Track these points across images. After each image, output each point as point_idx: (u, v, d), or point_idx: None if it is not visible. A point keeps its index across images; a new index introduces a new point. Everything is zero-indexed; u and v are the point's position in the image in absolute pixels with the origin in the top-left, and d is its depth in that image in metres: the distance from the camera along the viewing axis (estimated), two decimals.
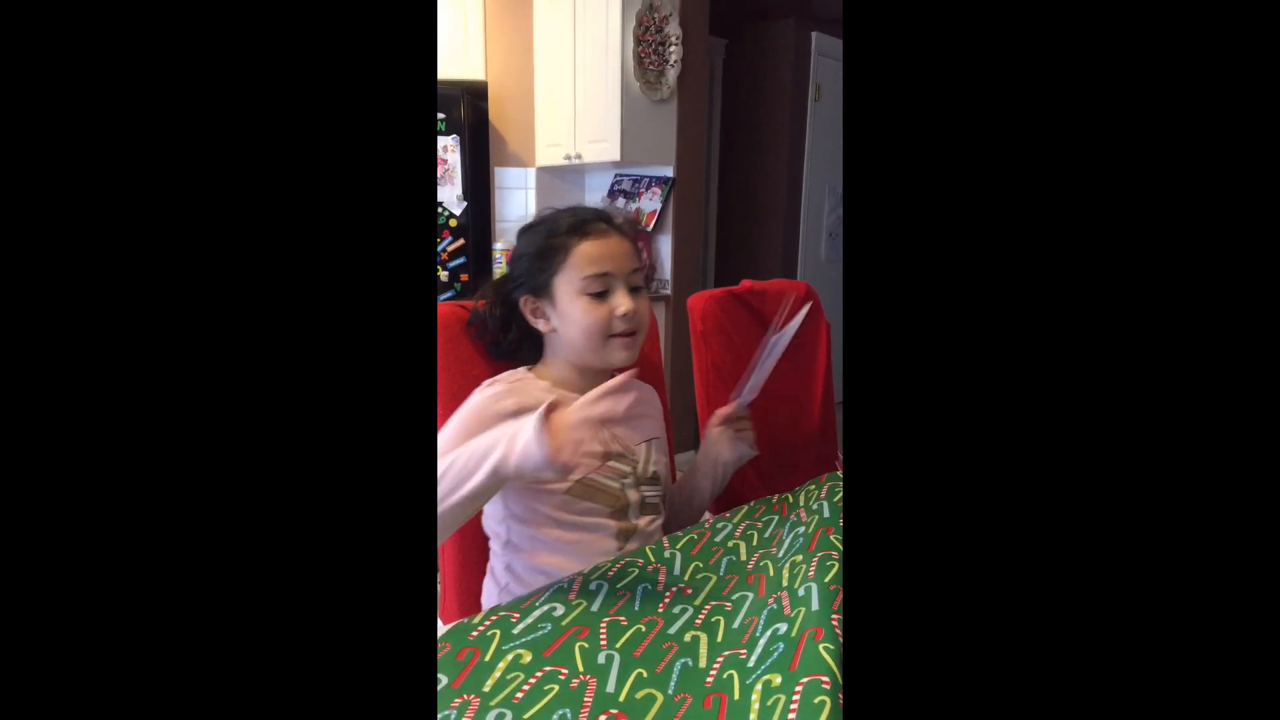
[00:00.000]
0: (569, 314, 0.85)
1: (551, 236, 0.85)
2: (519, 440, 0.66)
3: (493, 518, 0.87)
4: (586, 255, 0.84)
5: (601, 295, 0.84)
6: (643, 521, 0.88)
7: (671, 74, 2.53)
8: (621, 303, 0.85)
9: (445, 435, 0.80)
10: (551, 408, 0.69)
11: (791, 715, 0.48)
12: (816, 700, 0.48)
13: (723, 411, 0.97)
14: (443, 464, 0.70)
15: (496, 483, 0.70)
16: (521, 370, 0.89)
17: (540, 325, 0.88)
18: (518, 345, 0.92)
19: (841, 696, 0.49)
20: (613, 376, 0.85)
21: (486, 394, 0.84)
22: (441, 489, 0.68)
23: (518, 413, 0.80)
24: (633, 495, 0.88)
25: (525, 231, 0.90)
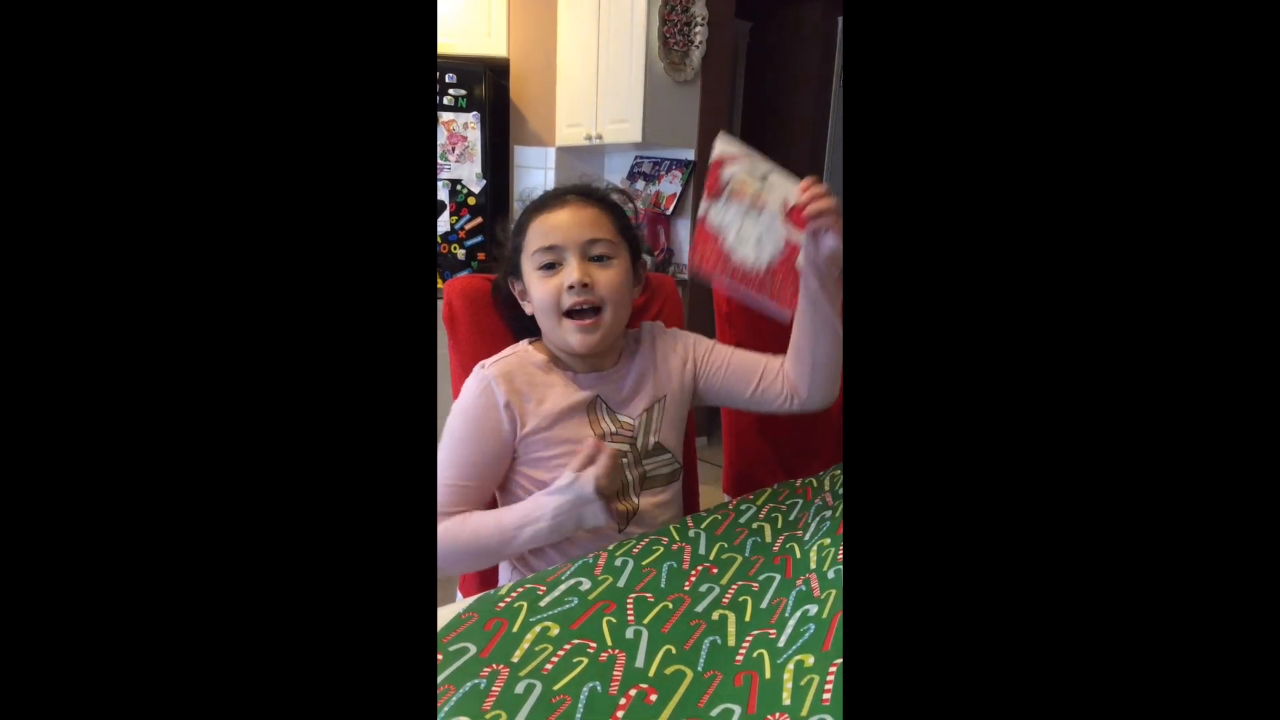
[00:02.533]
0: (532, 294, 0.82)
1: (521, 215, 0.84)
2: (583, 516, 0.74)
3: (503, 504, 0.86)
4: (538, 229, 0.81)
5: (551, 268, 0.80)
6: (645, 502, 0.85)
7: (696, 55, 2.49)
8: (569, 274, 0.79)
9: (447, 450, 0.80)
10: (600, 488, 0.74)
11: (826, 696, 0.47)
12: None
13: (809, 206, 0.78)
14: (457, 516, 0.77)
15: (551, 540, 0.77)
16: (523, 343, 0.87)
17: (526, 307, 0.85)
18: (524, 325, 0.90)
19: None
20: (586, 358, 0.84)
21: (485, 400, 0.80)
22: (470, 544, 0.76)
23: (511, 395, 0.80)
24: (631, 474, 0.85)
25: (520, 217, 0.88)
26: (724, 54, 2.65)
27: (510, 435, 0.81)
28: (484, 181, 2.63)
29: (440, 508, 0.78)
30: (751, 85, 3.36)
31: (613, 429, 0.85)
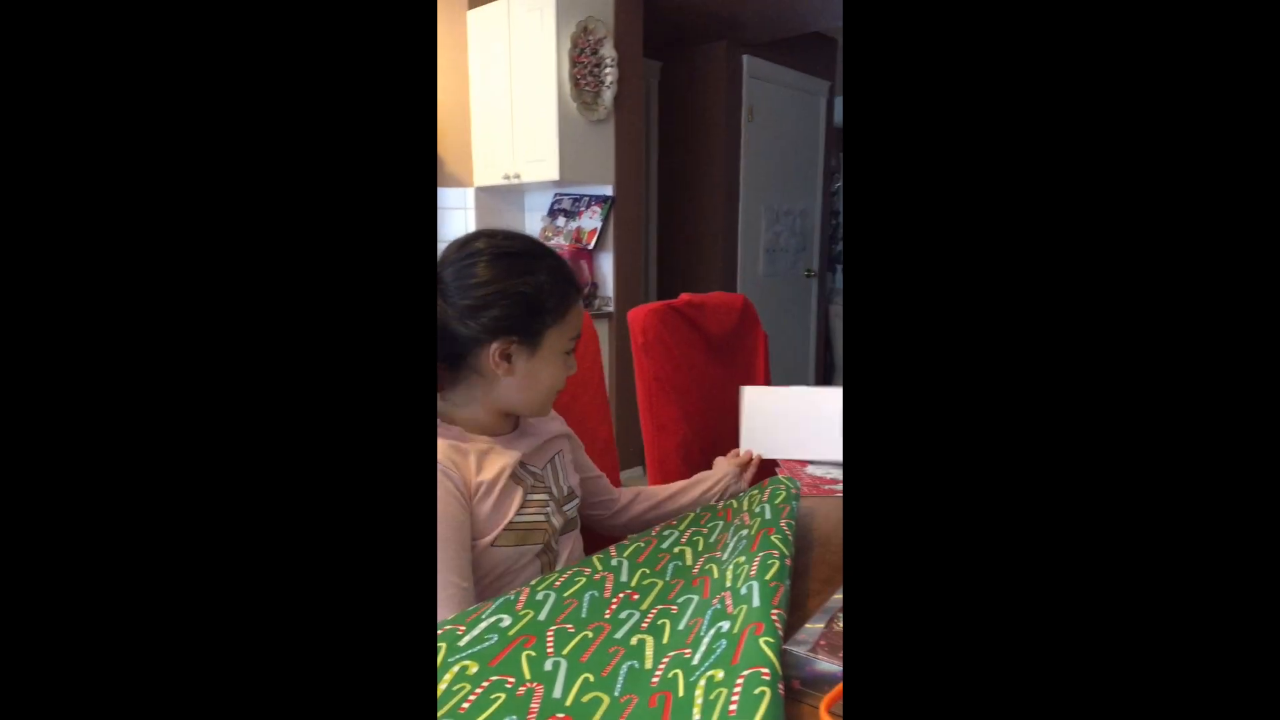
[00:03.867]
0: (542, 369, 0.81)
1: (561, 282, 0.80)
2: None
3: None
4: (577, 314, 0.83)
5: (568, 354, 0.85)
6: (564, 550, 0.87)
7: (608, 95, 2.57)
8: (572, 363, 0.86)
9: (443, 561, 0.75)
10: None
11: (733, 707, 0.49)
12: (756, 691, 0.49)
13: (744, 458, 1.09)
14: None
15: None
16: (443, 443, 0.79)
17: (499, 369, 0.79)
18: (446, 379, 0.82)
19: (782, 687, 0.51)
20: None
21: (446, 492, 0.76)
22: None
23: (458, 477, 0.77)
24: (556, 520, 0.86)
25: (504, 261, 0.78)
26: (635, 92, 2.74)
27: (468, 514, 0.79)
28: None
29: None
30: (664, 121, 3.47)
31: (532, 482, 0.85)
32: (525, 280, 0.77)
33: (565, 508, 0.89)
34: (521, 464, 0.84)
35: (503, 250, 0.79)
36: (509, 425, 0.87)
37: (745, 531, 0.83)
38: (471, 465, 0.79)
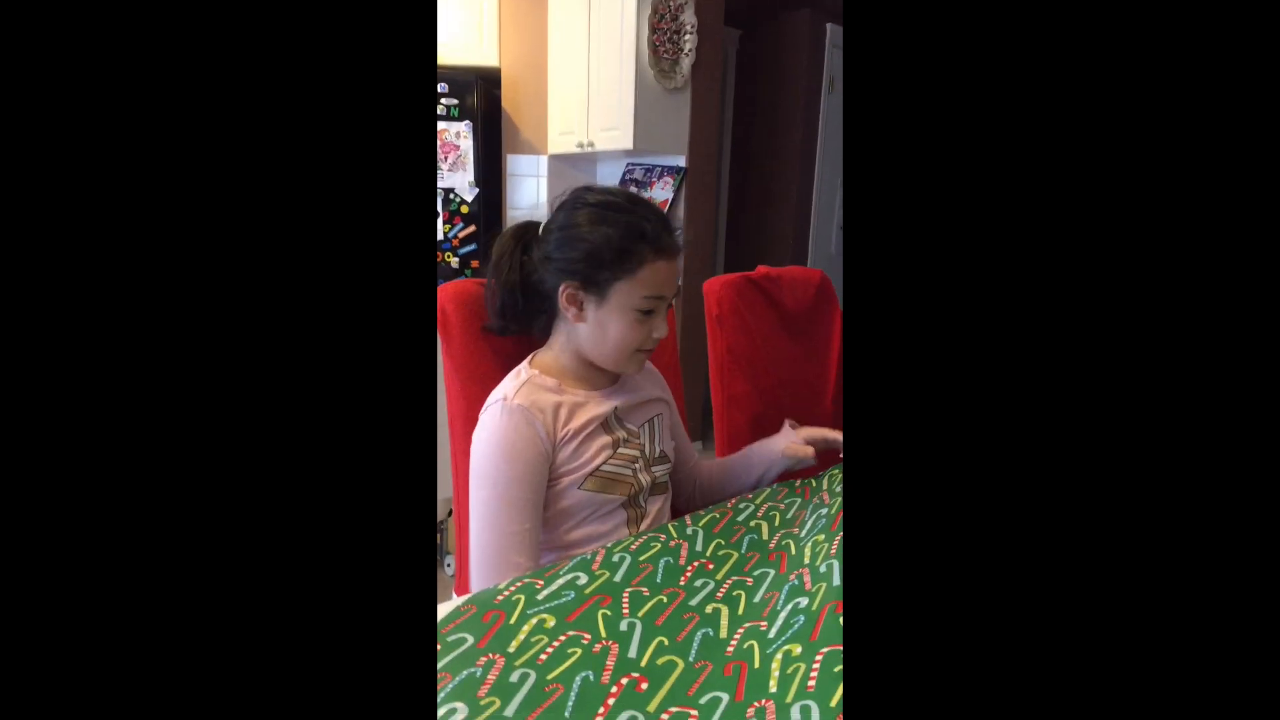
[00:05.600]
0: (610, 323, 0.81)
1: (629, 238, 0.79)
2: None
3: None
4: (657, 274, 0.80)
5: (648, 315, 0.82)
6: (653, 507, 0.88)
7: (686, 63, 2.52)
8: (660, 328, 0.84)
9: (497, 496, 0.78)
10: None
11: (811, 683, 0.48)
12: (836, 669, 0.48)
13: (810, 431, 1.01)
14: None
15: None
16: (523, 368, 0.85)
17: (569, 314, 0.83)
18: (525, 320, 0.89)
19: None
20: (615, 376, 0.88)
21: (524, 434, 0.79)
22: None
23: (543, 421, 0.79)
24: (644, 479, 0.87)
25: (589, 210, 0.81)
26: (713, 61, 2.67)
27: (550, 463, 0.81)
28: (476, 190, 2.65)
29: (505, 556, 0.76)
30: (741, 91, 3.39)
31: (625, 436, 0.87)
32: (599, 229, 0.79)
33: (655, 469, 0.89)
34: (616, 417, 0.87)
35: (595, 201, 0.81)
36: (606, 380, 0.89)
37: (825, 510, 0.82)
38: (562, 415, 0.82)
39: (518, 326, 0.91)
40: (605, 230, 0.79)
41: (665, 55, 2.47)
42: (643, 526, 0.87)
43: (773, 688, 0.49)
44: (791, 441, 0.99)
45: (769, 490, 0.93)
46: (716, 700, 0.50)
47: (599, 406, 0.85)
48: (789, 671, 0.51)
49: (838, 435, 1.01)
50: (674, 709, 0.49)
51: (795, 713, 0.45)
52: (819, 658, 0.50)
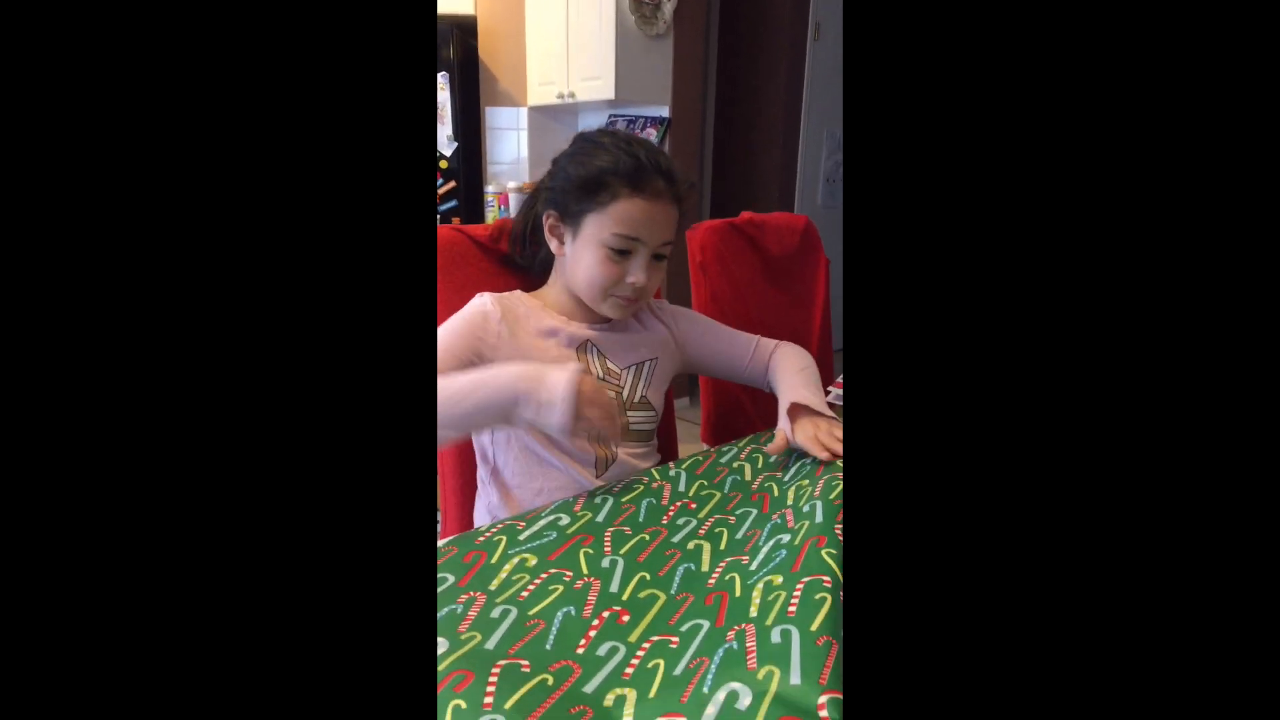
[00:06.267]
0: (583, 256, 0.81)
1: (605, 172, 0.78)
2: (541, 397, 0.68)
3: (484, 441, 0.87)
4: (628, 211, 0.78)
5: (623, 254, 0.80)
6: (624, 453, 0.86)
7: (668, 9, 2.45)
8: (635, 273, 0.81)
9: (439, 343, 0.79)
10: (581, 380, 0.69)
11: (792, 608, 0.48)
12: (818, 596, 0.49)
13: (803, 438, 0.80)
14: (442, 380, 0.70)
15: (499, 421, 0.72)
16: (518, 293, 0.88)
17: (551, 244, 0.85)
18: (531, 253, 0.92)
19: (843, 594, 0.50)
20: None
21: (480, 309, 0.82)
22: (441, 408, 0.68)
23: (506, 316, 0.81)
24: (619, 419, 0.85)
25: (584, 144, 0.83)
26: (697, 7, 2.60)
27: (490, 350, 0.80)
28: (455, 144, 2.59)
29: None
30: (725, 40, 3.31)
31: (600, 373, 0.86)
32: (579, 161, 0.81)
33: (633, 414, 0.88)
34: (595, 348, 0.87)
35: (589, 137, 0.83)
36: (596, 316, 0.88)
37: (809, 458, 0.81)
38: (531, 320, 0.84)
39: (523, 260, 0.93)
40: (584, 158, 0.80)
41: (646, 0, 2.40)
42: (608, 472, 0.84)
43: (753, 613, 0.50)
44: (781, 432, 0.83)
45: (751, 436, 0.93)
46: (697, 627, 0.50)
47: (573, 328, 0.86)
48: (770, 599, 0.51)
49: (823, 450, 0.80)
50: (655, 638, 0.50)
51: (775, 635, 0.46)
52: (800, 586, 0.51)
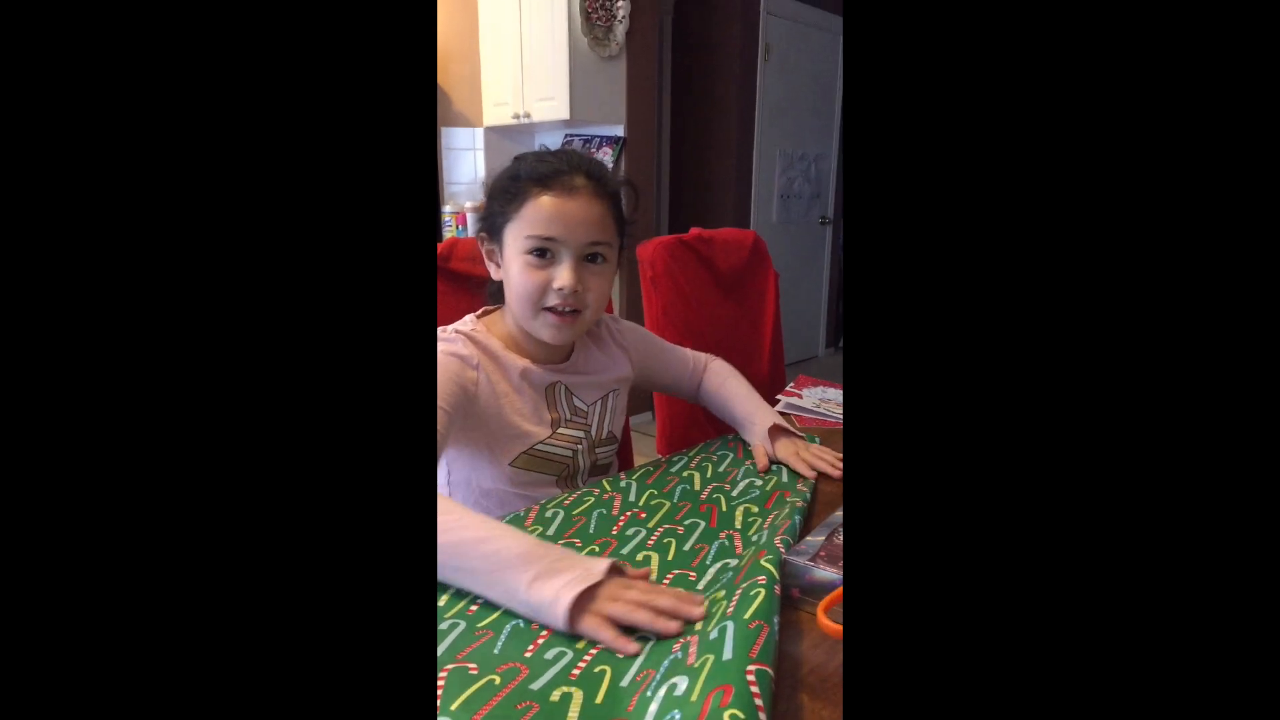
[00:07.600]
0: (510, 270, 0.77)
1: (516, 178, 0.75)
2: (545, 603, 0.52)
3: (440, 482, 0.84)
4: (539, 211, 0.73)
5: (543, 258, 0.75)
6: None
7: (620, 30, 2.49)
8: (560, 276, 0.74)
9: None
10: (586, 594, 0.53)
11: (730, 609, 0.50)
12: (753, 592, 0.51)
13: (785, 453, 0.87)
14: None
15: (492, 593, 0.56)
16: (469, 320, 0.82)
17: (490, 269, 0.81)
18: (499, 285, 0.83)
19: (779, 589, 0.52)
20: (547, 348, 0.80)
21: (454, 353, 0.76)
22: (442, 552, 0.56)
23: (480, 356, 0.76)
24: (584, 461, 0.85)
25: (510, 162, 0.79)
26: (648, 28, 2.65)
27: (472, 394, 0.76)
28: None
29: None
30: (679, 61, 3.37)
31: (569, 415, 0.84)
32: (497, 176, 0.78)
33: (599, 450, 0.88)
34: (562, 389, 0.83)
35: (518, 155, 0.80)
36: (556, 354, 0.84)
37: (760, 483, 0.82)
38: (502, 360, 0.79)
39: (491, 289, 0.87)
40: (501, 174, 0.78)
41: (598, 22, 2.44)
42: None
43: (698, 626, 0.51)
44: (761, 446, 0.89)
45: (701, 444, 0.95)
46: (643, 639, 0.51)
47: (540, 371, 0.82)
48: (712, 610, 0.53)
49: (808, 468, 0.85)
50: (601, 647, 0.51)
51: (713, 633, 0.48)
52: (739, 591, 0.52)
